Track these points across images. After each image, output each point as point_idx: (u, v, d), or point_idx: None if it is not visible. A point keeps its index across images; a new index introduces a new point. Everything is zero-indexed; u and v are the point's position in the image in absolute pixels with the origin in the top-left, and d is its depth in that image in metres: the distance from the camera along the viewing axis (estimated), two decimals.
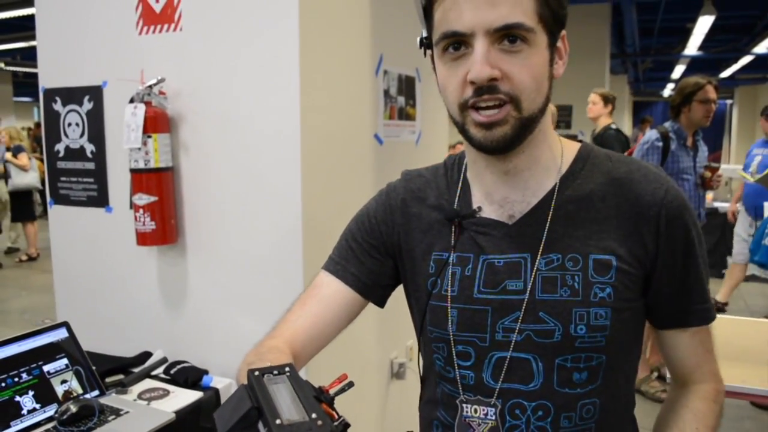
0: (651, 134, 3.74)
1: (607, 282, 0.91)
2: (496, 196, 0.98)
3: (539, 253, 0.93)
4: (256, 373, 0.71)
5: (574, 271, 0.91)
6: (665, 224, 0.92)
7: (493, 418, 0.94)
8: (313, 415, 0.66)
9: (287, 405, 0.67)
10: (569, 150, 1.00)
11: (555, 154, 0.98)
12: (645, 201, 0.93)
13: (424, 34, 0.95)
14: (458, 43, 0.86)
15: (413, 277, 1.05)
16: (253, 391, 0.68)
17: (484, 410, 0.95)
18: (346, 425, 0.71)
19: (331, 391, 0.78)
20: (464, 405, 0.97)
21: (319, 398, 0.73)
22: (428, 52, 0.96)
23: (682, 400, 1.01)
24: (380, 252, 1.07)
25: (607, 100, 5.09)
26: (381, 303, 1.11)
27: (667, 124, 3.73)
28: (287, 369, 0.74)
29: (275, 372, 0.73)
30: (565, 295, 0.91)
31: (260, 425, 0.66)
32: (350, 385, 0.81)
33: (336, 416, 0.71)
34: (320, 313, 1.05)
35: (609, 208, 0.93)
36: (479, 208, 0.99)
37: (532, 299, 0.92)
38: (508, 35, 0.84)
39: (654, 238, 0.92)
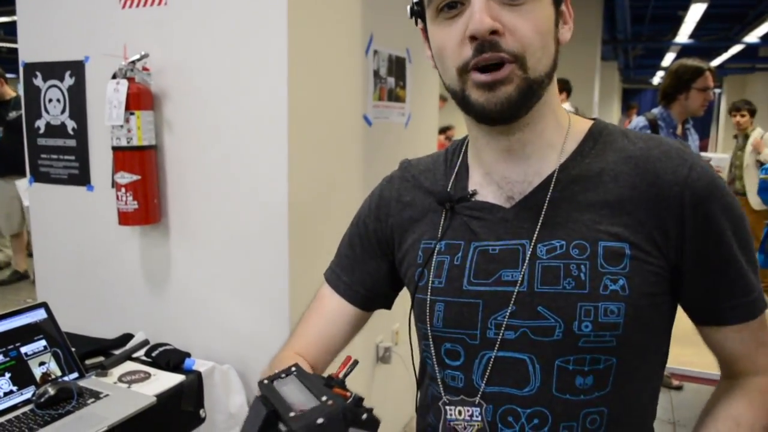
0: (638, 120, 3.50)
1: (620, 273, 0.78)
2: (495, 175, 0.88)
3: (540, 239, 0.83)
4: (265, 381, 0.74)
5: (581, 259, 0.80)
6: (691, 208, 0.79)
7: (479, 418, 0.84)
8: (323, 398, 0.67)
9: (298, 398, 0.70)
10: (579, 127, 0.89)
11: (562, 129, 0.88)
12: (665, 180, 0.80)
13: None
14: (453, 1, 0.78)
15: (406, 270, 0.97)
16: (266, 397, 0.71)
17: (468, 411, 0.85)
18: (360, 399, 0.70)
19: (341, 374, 0.77)
20: (447, 408, 0.88)
21: (329, 384, 0.73)
22: (419, 23, 0.88)
23: (725, 403, 0.87)
24: (376, 256, 1.01)
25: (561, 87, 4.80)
26: (387, 307, 1.08)
27: (656, 111, 3.47)
28: (293, 369, 0.76)
29: (282, 375, 0.75)
30: (568, 287, 0.79)
31: (281, 425, 0.67)
32: (356, 363, 0.80)
33: (348, 395, 0.71)
34: (324, 328, 1.03)
35: (622, 189, 0.81)
36: (474, 191, 0.90)
37: (529, 292, 0.81)
38: None
39: (677, 224, 0.79)
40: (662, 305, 0.83)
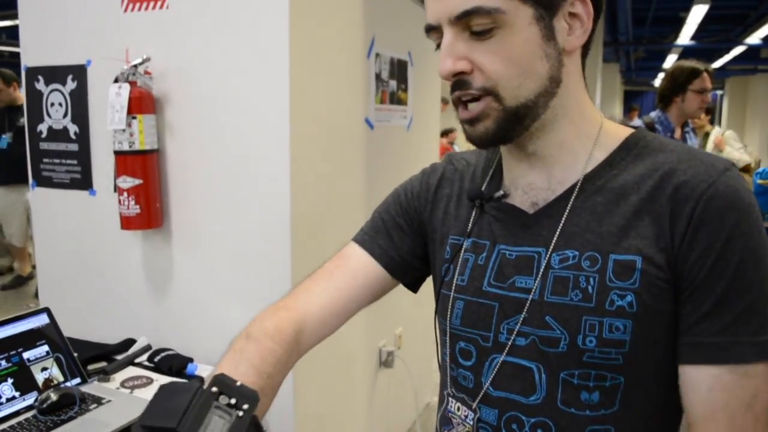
0: (635, 125, 3.48)
1: (628, 288, 0.76)
2: (521, 181, 0.88)
3: (555, 248, 0.82)
4: (214, 389, 0.63)
5: (590, 272, 0.78)
6: (696, 223, 0.74)
7: (471, 423, 0.86)
8: None
9: None
10: (612, 136, 0.85)
11: (588, 138, 0.85)
12: (683, 194, 0.75)
13: None
14: (437, 44, 0.80)
15: (434, 261, 0.98)
16: (191, 409, 0.60)
17: (465, 411, 0.87)
18: None
19: None
20: (450, 399, 0.91)
21: None
22: None
23: None
24: (412, 230, 1.00)
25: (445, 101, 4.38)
26: (412, 286, 1.05)
27: (654, 114, 3.36)
28: (245, 407, 0.63)
29: (233, 401, 0.63)
30: (575, 299, 0.78)
31: None
32: None
33: None
34: (345, 287, 0.98)
35: (643, 202, 0.78)
36: (506, 193, 0.89)
37: (540, 300, 0.80)
38: (473, 23, 0.75)
39: (681, 238, 0.75)
40: (674, 322, 0.78)
